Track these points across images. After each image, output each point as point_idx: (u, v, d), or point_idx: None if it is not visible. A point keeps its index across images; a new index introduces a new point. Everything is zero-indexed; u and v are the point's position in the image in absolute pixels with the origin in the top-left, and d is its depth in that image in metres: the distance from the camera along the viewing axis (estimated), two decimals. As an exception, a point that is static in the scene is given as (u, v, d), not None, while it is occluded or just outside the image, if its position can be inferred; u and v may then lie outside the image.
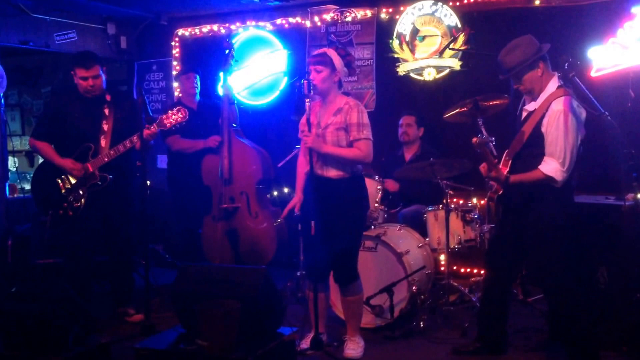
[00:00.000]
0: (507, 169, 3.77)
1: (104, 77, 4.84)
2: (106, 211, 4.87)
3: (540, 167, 3.62)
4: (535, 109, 3.72)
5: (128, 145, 4.73)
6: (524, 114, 3.84)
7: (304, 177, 4.25)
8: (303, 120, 4.12)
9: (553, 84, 3.71)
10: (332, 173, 4.05)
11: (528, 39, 3.77)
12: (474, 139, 3.63)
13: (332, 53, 4.08)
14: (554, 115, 3.59)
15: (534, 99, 3.77)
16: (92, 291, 5.02)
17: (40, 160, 5.27)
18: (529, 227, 3.76)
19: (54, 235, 5.16)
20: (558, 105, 3.60)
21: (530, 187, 3.70)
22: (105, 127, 4.82)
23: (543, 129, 3.63)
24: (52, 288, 3.89)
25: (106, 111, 4.85)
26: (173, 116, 4.74)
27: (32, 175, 5.14)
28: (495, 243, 4.11)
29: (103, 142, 4.80)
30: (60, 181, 4.83)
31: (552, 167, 3.59)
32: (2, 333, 3.65)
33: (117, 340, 4.24)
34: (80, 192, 4.79)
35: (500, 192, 3.83)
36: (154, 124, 4.71)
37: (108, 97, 4.88)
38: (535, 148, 3.67)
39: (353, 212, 4.09)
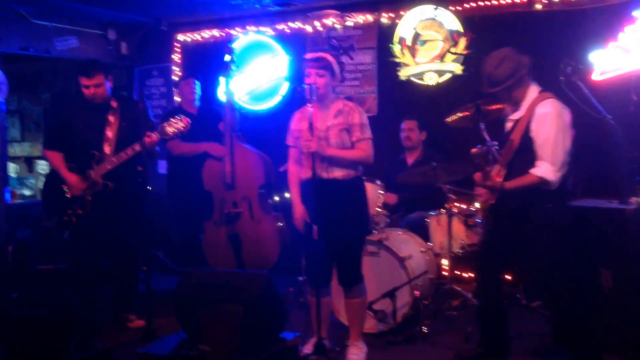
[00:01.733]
0: (502, 180, 3.76)
1: (108, 86, 4.83)
2: (110, 217, 4.85)
3: (532, 170, 3.64)
4: (520, 117, 3.75)
5: (130, 153, 4.70)
6: (510, 124, 3.86)
7: (298, 187, 4.19)
8: (298, 125, 4.13)
9: (534, 91, 3.76)
10: (339, 173, 4.04)
11: (511, 51, 3.78)
12: (473, 150, 3.64)
13: (330, 58, 4.10)
14: (540, 118, 3.64)
15: (517, 108, 3.80)
16: (93, 297, 5.00)
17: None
18: (526, 232, 3.75)
19: (58, 241, 5.16)
20: (543, 108, 3.65)
21: (525, 193, 3.70)
22: (109, 134, 4.81)
23: (532, 134, 3.67)
24: (53, 294, 3.88)
25: (111, 118, 4.83)
26: (175, 124, 4.71)
27: (41, 180, 5.15)
28: (485, 250, 4.08)
29: (107, 149, 4.79)
30: (66, 188, 4.82)
31: (543, 168, 3.61)
32: (3, 339, 3.63)
33: (119, 346, 4.22)
34: (84, 200, 4.78)
35: (493, 201, 3.83)
36: (155, 132, 4.69)
37: (114, 104, 4.87)
38: (527, 154, 3.68)
39: (360, 211, 4.12)
